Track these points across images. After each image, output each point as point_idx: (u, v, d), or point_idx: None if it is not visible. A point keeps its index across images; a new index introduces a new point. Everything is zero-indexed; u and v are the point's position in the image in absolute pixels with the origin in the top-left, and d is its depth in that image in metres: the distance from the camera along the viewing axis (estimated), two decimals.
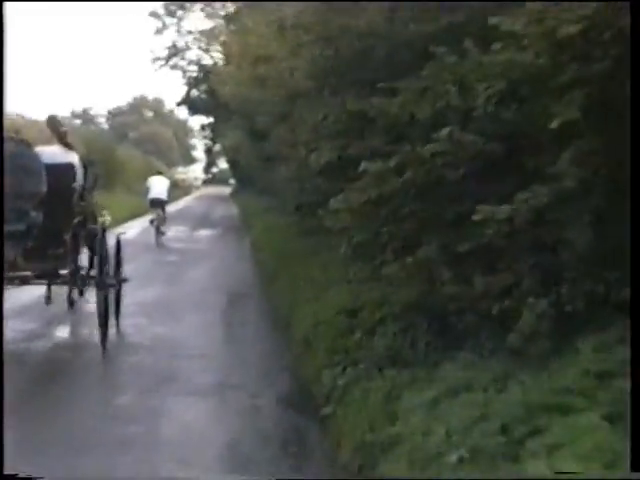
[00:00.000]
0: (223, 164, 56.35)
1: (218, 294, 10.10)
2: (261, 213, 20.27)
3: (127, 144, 45.59)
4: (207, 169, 55.74)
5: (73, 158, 7.25)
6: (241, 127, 20.16)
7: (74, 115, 69.40)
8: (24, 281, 7.01)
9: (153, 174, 19.01)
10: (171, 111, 78.24)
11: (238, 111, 17.87)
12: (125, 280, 7.96)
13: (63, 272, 7.08)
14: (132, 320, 8.01)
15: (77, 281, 7.27)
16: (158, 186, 17.59)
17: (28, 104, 38.82)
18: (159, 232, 16.98)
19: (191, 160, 59.59)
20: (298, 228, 11.78)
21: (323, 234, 8.22)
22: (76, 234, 7.10)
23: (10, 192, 6.10)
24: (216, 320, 8.52)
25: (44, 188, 6.70)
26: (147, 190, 17.59)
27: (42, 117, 7.71)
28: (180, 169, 53.04)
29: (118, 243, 8.04)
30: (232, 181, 51.49)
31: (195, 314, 8.71)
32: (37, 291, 7.73)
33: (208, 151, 54.18)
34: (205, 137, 52.60)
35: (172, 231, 18.59)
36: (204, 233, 20.76)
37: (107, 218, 8.12)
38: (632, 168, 3.12)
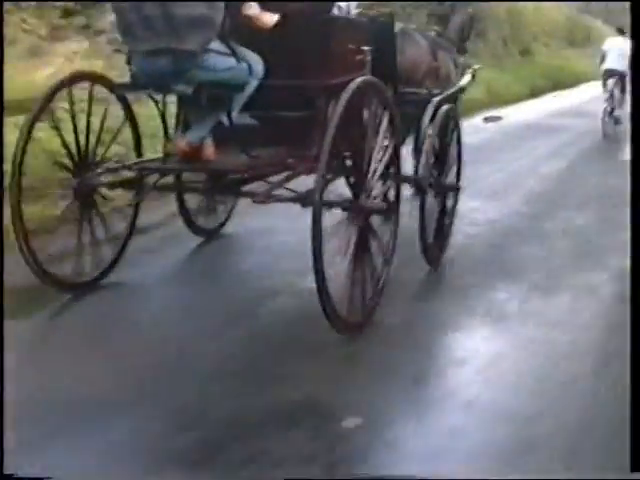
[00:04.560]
0: None
1: None
2: None
3: None
4: None
5: None
6: None
7: None
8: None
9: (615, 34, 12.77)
10: None
11: None
12: (455, 189, 4.91)
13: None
14: None
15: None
16: (615, 53, 11.91)
17: None
18: (611, 117, 11.70)
19: None
20: None
21: None
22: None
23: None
24: None
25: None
26: (602, 57, 12.17)
27: None
28: None
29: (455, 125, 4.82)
30: None
31: None
32: None
33: None
34: None
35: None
36: None
37: (465, 79, 5.22)
38: (632, 168, 3.05)
